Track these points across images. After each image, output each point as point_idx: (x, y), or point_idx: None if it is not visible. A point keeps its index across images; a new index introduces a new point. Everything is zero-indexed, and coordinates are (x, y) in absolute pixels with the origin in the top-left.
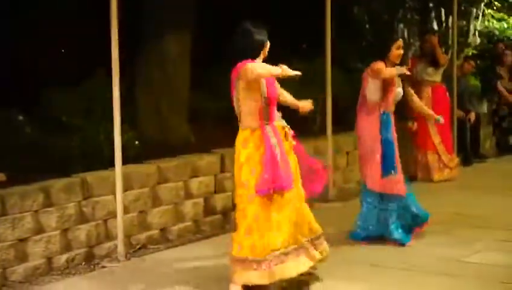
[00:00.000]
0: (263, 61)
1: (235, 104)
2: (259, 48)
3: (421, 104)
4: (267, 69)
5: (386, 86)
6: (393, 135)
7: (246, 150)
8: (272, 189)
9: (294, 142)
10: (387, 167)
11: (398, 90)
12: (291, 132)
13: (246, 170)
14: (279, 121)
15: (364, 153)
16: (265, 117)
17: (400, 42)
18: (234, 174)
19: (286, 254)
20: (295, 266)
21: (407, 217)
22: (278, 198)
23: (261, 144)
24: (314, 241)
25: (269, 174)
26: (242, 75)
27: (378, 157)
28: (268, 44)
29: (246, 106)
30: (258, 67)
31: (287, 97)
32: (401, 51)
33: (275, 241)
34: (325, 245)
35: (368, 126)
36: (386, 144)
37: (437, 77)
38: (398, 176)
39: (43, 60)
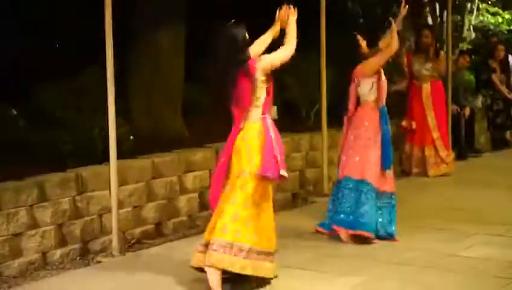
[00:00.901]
0: None
1: (241, 100)
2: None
3: None
4: (281, 56)
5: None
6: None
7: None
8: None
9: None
10: (387, 161)
11: (383, 80)
12: None
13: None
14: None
15: (363, 145)
16: (268, 109)
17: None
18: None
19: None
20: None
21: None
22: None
23: (261, 134)
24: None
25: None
26: (262, 70)
27: (378, 151)
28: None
29: (258, 100)
30: (276, 59)
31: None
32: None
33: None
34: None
35: (370, 118)
36: (387, 137)
37: (435, 72)
38: (392, 172)
39: (36, 54)
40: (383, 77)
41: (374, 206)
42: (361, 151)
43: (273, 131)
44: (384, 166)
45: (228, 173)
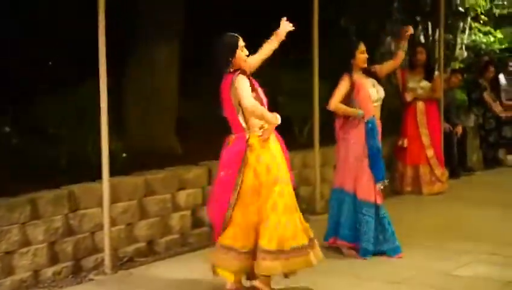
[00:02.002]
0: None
1: (241, 113)
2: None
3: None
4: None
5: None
6: (379, 142)
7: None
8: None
9: None
10: (379, 175)
11: (371, 91)
12: None
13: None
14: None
15: (353, 161)
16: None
17: (362, 46)
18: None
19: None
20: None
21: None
22: None
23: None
24: None
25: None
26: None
27: (366, 165)
28: (240, 46)
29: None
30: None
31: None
32: (366, 55)
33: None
34: None
35: (357, 133)
36: (374, 151)
37: (429, 91)
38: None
39: (30, 70)
40: (365, 90)
41: (372, 220)
42: (350, 169)
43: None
44: (377, 179)
45: (237, 185)
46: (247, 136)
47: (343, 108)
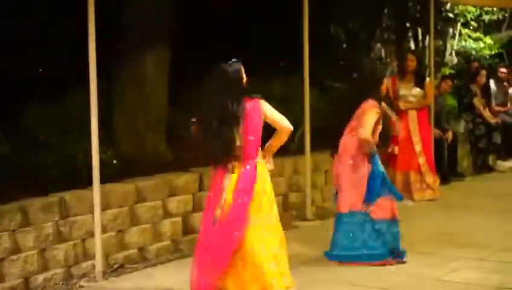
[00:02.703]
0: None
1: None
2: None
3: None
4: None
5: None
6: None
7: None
8: None
9: None
10: (371, 197)
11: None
12: None
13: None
14: None
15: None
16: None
17: (387, 81)
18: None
19: None
20: None
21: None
22: None
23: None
24: None
25: None
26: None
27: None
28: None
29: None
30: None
31: None
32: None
33: None
34: None
35: (362, 156)
36: (375, 175)
37: (421, 97)
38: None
39: (20, 78)
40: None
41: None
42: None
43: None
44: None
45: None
46: (255, 164)
47: (372, 142)
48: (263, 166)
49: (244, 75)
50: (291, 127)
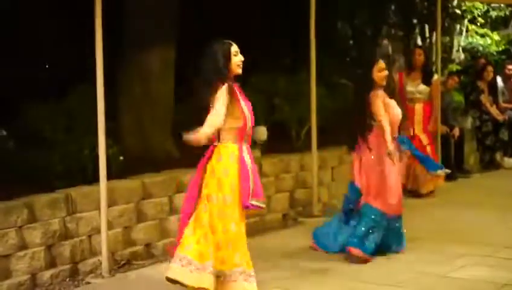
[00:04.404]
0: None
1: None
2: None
3: None
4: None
5: None
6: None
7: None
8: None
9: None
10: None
11: (396, 112)
12: None
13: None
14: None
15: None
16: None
17: (381, 64)
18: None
19: None
20: None
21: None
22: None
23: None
24: None
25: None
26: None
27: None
28: (233, 52)
29: (226, 123)
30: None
31: None
32: (385, 72)
33: None
34: None
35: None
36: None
37: (427, 94)
38: None
39: (25, 74)
40: (393, 109)
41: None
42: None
43: (249, 159)
44: None
45: (200, 192)
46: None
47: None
48: (224, 148)
49: (229, 56)
50: (207, 131)
